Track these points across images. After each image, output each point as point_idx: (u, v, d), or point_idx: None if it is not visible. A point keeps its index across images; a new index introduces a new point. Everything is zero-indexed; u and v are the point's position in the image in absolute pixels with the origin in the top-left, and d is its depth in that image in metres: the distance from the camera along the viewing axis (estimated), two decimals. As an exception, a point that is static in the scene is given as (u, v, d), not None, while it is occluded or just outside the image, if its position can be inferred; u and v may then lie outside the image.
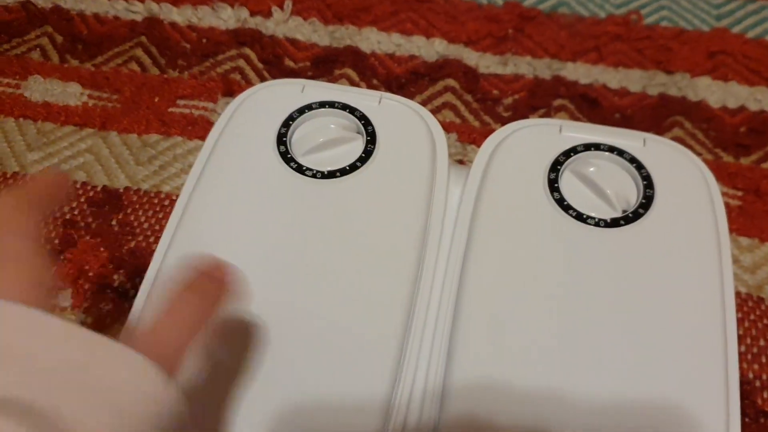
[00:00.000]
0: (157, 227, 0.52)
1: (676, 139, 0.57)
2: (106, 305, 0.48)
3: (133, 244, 0.51)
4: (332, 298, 0.36)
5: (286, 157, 0.41)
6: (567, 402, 0.33)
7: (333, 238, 0.38)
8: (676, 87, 0.59)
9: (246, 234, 0.38)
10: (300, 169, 0.40)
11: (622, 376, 0.33)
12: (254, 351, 0.35)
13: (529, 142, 0.42)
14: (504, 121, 0.58)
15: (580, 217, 0.38)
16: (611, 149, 0.41)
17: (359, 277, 0.37)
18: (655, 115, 0.58)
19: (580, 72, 0.61)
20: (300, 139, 0.42)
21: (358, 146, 0.42)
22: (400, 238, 0.38)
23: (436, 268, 0.38)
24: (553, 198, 0.39)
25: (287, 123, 0.42)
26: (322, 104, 0.43)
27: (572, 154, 0.41)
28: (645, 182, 0.39)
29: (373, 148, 0.41)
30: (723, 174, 0.54)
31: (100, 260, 0.50)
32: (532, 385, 0.33)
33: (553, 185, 0.39)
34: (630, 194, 0.39)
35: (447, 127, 0.58)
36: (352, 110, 0.43)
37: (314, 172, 0.40)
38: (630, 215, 0.38)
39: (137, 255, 0.50)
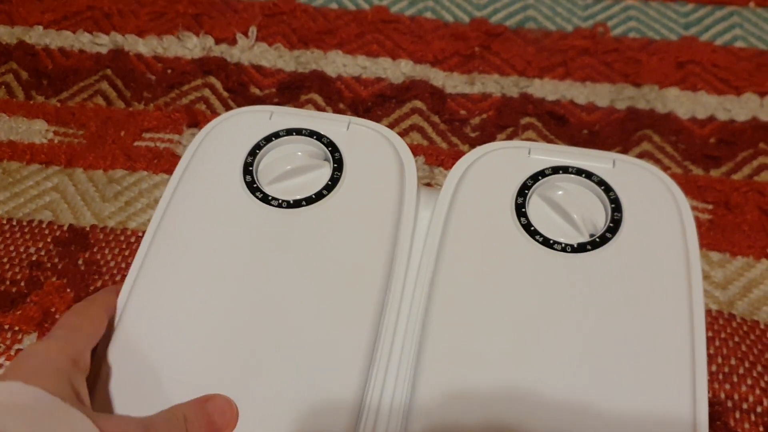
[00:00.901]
0: (123, 265, 0.52)
1: (644, 153, 0.56)
2: (71, 348, 0.47)
3: (99, 283, 0.51)
4: (300, 327, 0.36)
5: (252, 187, 0.41)
6: (532, 419, 0.32)
7: (299, 267, 0.38)
8: (644, 100, 0.59)
9: (213, 267, 0.38)
10: (266, 199, 0.40)
11: (591, 397, 0.33)
12: (225, 376, 0.35)
13: (498, 165, 0.42)
14: (472, 142, 0.58)
15: (547, 242, 0.38)
16: (579, 172, 0.40)
17: (327, 306, 0.37)
18: (624, 130, 0.57)
19: (547, 88, 0.60)
20: (266, 167, 0.42)
21: (325, 173, 0.41)
22: (366, 265, 0.38)
23: (403, 293, 0.38)
24: (520, 223, 0.39)
25: (254, 152, 0.42)
26: (289, 131, 0.43)
27: (540, 177, 0.40)
28: (613, 205, 0.39)
29: (340, 175, 0.41)
30: (692, 187, 0.54)
31: (66, 301, 0.50)
32: (499, 407, 0.33)
33: (520, 210, 0.39)
34: (598, 218, 0.39)
35: (415, 150, 0.57)
36: (319, 137, 0.43)
37: (280, 201, 0.40)
38: (597, 240, 0.38)
39: (103, 295, 0.50)
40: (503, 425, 0.32)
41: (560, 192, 0.40)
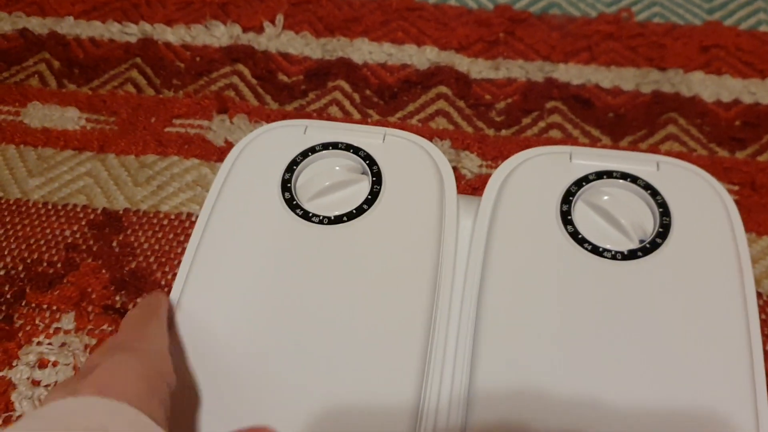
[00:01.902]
0: (156, 247, 0.53)
1: (670, 136, 0.57)
2: (108, 326, 0.49)
3: (133, 264, 0.52)
4: (350, 343, 0.35)
5: (292, 204, 0.40)
6: (588, 426, 0.32)
7: (346, 283, 0.37)
8: (669, 83, 0.59)
9: (259, 287, 0.38)
10: (306, 216, 0.40)
11: (648, 405, 0.32)
12: (278, 391, 0.35)
13: (539, 172, 0.41)
14: (497, 126, 0.58)
15: (596, 250, 0.37)
16: (624, 176, 0.40)
17: (376, 320, 0.36)
18: (649, 113, 0.58)
19: (572, 73, 0.61)
20: (305, 184, 0.42)
21: (364, 187, 0.41)
22: (412, 277, 0.37)
23: (451, 305, 0.37)
24: (567, 231, 0.38)
25: (291, 168, 0.42)
26: (325, 146, 0.43)
27: (584, 183, 0.40)
28: (661, 209, 0.38)
29: (380, 189, 0.41)
30: (718, 169, 0.54)
31: (101, 282, 0.51)
32: (554, 414, 0.33)
33: (566, 217, 0.39)
34: (646, 223, 0.38)
35: (440, 134, 0.58)
36: (356, 150, 0.42)
37: (321, 218, 0.40)
38: (647, 246, 0.37)
39: (138, 276, 0.51)
40: (560, 430, 0.32)
41: (606, 197, 0.39)
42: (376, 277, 0.37)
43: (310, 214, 0.40)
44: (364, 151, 0.42)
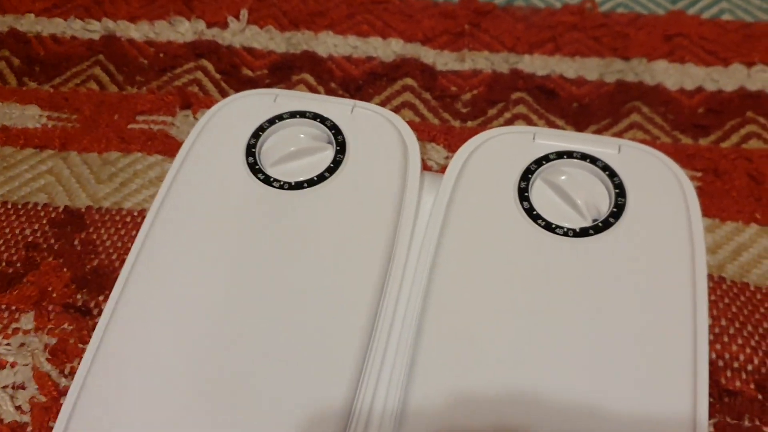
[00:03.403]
0: (119, 244, 0.52)
1: (634, 124, 0.57)
2: (69, 325, 0.48)
3: (96, 262, 0.51)
4: (296, 308, 0.36)
5: (254, 168, 0.41)
6: (533, 411, 0.32)
7: (299, 249, 0.38)
8: (633, 72, 0.60)
9: (212, 247, 0.38)
10: (267, 180, 0.40)
11: (592, 385, 0.33)
12: (216, 359, 0.35)
13: (502, 150, 0.41)
14: (463, 118, 0.58)
15: (549, 226, 0.38)
16: (584, 157, 0.40)
17: (325, 289, 0.36)
18: (613, 102, 0.58)
19: (537, 64, 0.61)
20: (269, 149, 0.42)
21: (328, 156, 0.41)
22: (366, 249, 0.38)
23: (403, 277, 0.37)
24: (523, 207, 0.38)
25: (257, 134, 0.42)
26: (293, 114, 0.43)
27: (544, 162, 0.40)
28: (617, 191, 0.39)
29: (343, 158, 0.41)
30: (682, 156, 0.54)
31: (63, 280, 0.50)
32: (498, 396, 0.33)
33: (523, 194, 0.39)
34: (602, 203, 0.39)
35: (406, 127, 0.58)
36: (323, 120, 0.43)
37: (281, 183, 0.40)
38: (600, 224, 0.38)
39: (100, 273, 0.50)
40: (502, 425, 0.32)
41: (564, 177, 0.39)
42: (330, 247, 0.38)
43: (272, 179, 0.40)
44: (331, 121, 0.43)
